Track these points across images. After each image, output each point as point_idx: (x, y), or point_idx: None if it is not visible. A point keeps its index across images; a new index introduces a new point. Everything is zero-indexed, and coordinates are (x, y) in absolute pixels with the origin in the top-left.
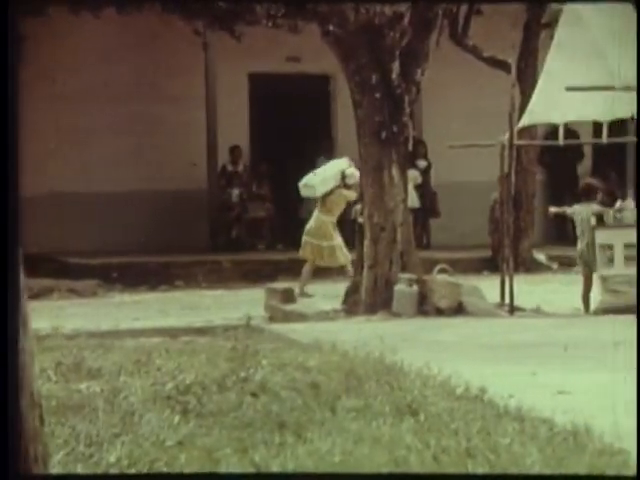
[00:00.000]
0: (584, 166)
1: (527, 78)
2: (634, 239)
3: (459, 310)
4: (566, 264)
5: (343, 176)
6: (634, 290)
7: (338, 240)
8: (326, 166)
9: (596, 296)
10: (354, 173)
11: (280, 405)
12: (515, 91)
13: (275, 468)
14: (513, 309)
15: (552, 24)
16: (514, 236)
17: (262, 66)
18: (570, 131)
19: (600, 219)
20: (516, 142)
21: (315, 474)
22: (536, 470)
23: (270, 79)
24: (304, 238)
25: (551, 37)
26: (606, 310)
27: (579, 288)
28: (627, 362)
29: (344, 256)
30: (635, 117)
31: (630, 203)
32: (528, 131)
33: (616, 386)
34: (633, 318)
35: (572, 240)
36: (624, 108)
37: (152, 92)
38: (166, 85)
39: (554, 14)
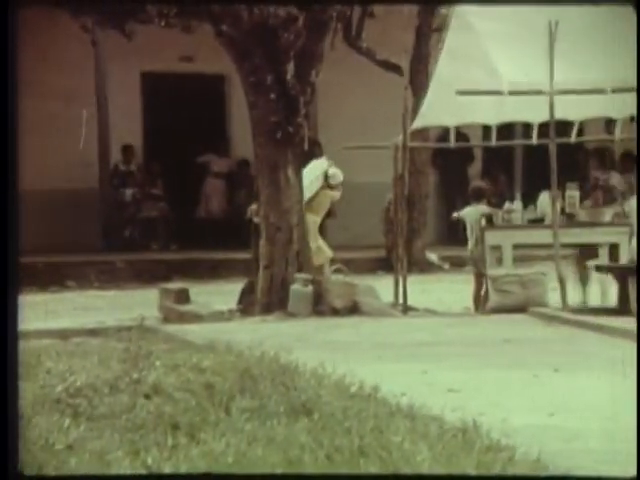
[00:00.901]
0: (474, 168)
1: (419, 81)
2: (522, 240)
3: (354, 310)
4: (457, 264)
5: (326, 177)
6: (524, 290)
7: (320, 241)
8: (308, 168)
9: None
10: (337, 173)
11: (173, 406)
12: (408, 94)
13: (167, 470)
14: (406, 309)
15: (442, 29)
16: (407, 236)
17: (155, 65)
18: (461, 134)
19: (489, 220)
20: (409, 144)
21: (316, 474)
22: (425, 467)
23: (163, 78)
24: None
25: (442, 41)
26: (495, 309)
27: (470, 288)
28: (516, 359)
29: (324, 258)
30: (635, 117)
31: (518, 205)
32: (421, 133)
33: (505, 383)
34: (524, 317)
35: (463, 241)
36: (512, 112)
37: (41, 89)
38: (56, 83)
39: (444, 19)
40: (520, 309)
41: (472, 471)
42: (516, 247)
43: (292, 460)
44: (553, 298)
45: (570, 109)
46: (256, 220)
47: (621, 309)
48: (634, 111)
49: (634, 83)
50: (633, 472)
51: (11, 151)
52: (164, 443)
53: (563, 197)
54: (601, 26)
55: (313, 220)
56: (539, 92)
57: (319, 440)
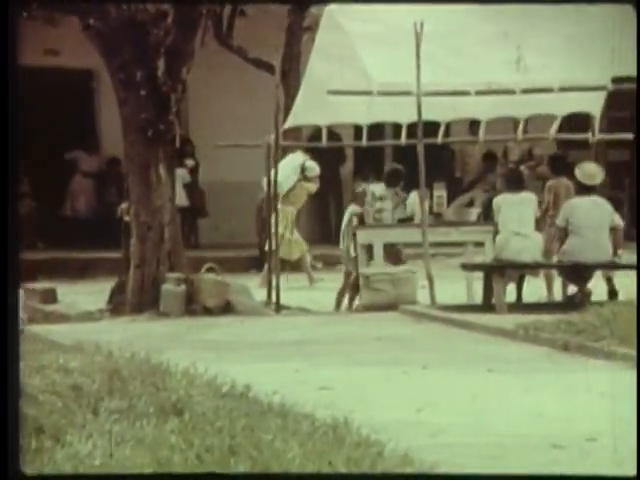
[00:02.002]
0: (346, 168)
1: (291, 80)
2: (393, 238)
3: (227, 309)
4: (330, 263)
5: (303, 169)
6: (394, 288)
7: (296, 235)
8: (285, 161)
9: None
10: (313, 166)
11: (38, 409)
12: (280, 93)
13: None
14: (279, 307)
15: (313, 28)
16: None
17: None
18: (333, 133)
19: (361, 220)
20: (282, 143)
21: (317, 474)
22: (296, 465)
23: (27, 73)
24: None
25: (313, 41)
26: (367, 307)
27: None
28: (387, 357)
29: (300, 251)
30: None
31: (388, 203)
32: (293, 132)
33: (376, 380)
34: (395, 314)
35: (336, 239)
36: (382, 112)
37: None
38: None
39: (315, 18)
40: (391, 307)
41: (342, 467)
42: (386, 246)
43: (161, 461)
44: (423, 296)
45: (437, 110)
46: (127, 219)
47: (485, 306)
48: (499, 112)
49: (498, 86)
50: (633, 472)
51: (12, 151)
52: (28, 447)
53: (431, 197)
54: (467, 30)
55: (290, 212)
56: (407, 93)
57: (189, 440)
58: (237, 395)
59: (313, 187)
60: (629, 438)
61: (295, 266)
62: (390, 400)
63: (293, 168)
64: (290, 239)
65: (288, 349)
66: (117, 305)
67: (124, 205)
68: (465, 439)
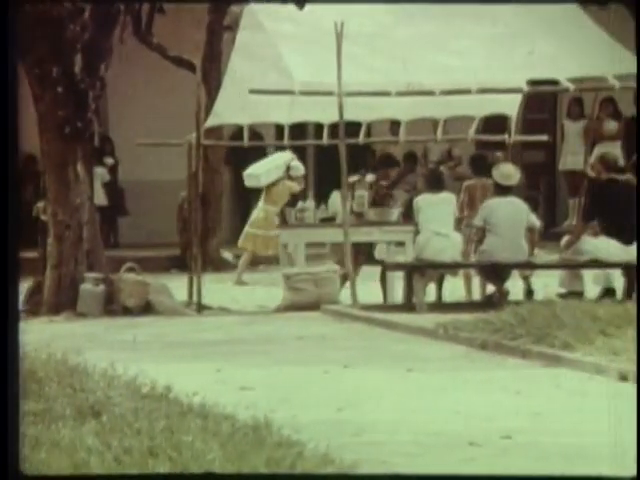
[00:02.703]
0: None
1: (212, 79)
2: (315, 238)
3: (147, 309)
4: (252, 262)
5: (287, 168)
6: (316, 288)
7: (274, 232)
8: (271, 158)
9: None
10: (298, 166)
11: None
12: (201, 91)
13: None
14: (201, 307)
15: (234, 27)
16: (202, 235)
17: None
18: (255, 133)
19: (283, 219)
20: (203, 142)
21: (316, 474)
22: (216, 466)
23: None
24: (247, 229)
25: (234, 39)
26: (289, 307)
27: (264, 286)
28: (309, 356)
29: (275, 248)
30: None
31: (311, 203)
32: (215, 131)
33: (297, 380)
34: (317, 314)
35: None
36: (304, 112)
37: None
38: None
39: (235, 17)
40: (313, 306)
41: (262, 468)
42: (309, 245)
43: (78, 463)
44: (345, 295)
45: (359, 111)
46: (44, 218)
47: (406, 306)
48: (419, 113)
49: (418, 87)
50: (632, 472)
51: (11, 148)
52: None
53: (353, 197)
54: (387, 31)
55: (272, 210)
56: (329, 93)
57: (107, 442)
58: (157, 396)
59: (296, 187)
60: (545, 434)
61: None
62: (311, 399)
63: (277, 165)
64: (267, 236)
65: (209, 349)
66: (33, 306)
67: (40, 204)
68: (385, 437)
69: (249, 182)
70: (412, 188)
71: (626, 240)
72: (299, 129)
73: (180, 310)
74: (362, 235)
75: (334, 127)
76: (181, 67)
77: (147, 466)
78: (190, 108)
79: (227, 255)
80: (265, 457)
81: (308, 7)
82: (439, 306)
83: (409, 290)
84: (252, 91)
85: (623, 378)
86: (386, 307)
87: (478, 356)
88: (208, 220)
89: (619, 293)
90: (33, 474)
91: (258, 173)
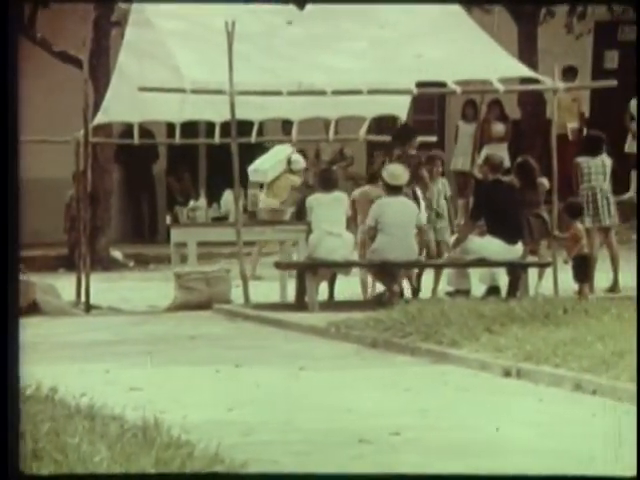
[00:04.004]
0: (159, 165)
1: (101, 76)
2: (207, 237)
3: (33, 309)
4: (143, 262)
5: (289, 162)
6: (208, 287)
7: None
8: (272, 152)
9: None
10: (299, 159)
11: None
12: (88, 88)
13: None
14: (89, 307)
15: (122, 23)
16: (91, 234)
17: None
18: (145, 131)
19: (175, 218)
20: (92, 139)
21: (316, 474)
22: (103, 468)
23: None
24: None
25: (122, 36)
26: (181, 306)
27: (156, 285)
28: (200, 356)
29: None
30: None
31: (203, 202)
32: (104, 129)
33: (188, 380)
34: (209, 313)
35: (148, 238)
36: (195, 111)
37: None
38: None
39: (123, 13)
40: (205, 306)
41: (151, 469)
42: (201, 244)
43: None
44: (237, 294)
45: (250, 110)
46: None
47: (298, 304)
48: (310, 113)
49: (309, 87)
50: (632, 472)
51: (11, 147)
52: None
53: (246, 196)
54: (278, 31)
55: (274, 204)
56: (220, 92)
57: None
58: (42, 398)
59: (297, 180)
60: (432, 430)
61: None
62: (202, 399)
63: (279, 160)
64: None
65: (98, 350)
66: None
67: None
68: (276, 436)
69: (255, 178)
70: (303, 187)
71: (510, 240)
72: (190, 127)
73: (68, 310)
74: (255, 234)
75: (226, 126)
76: (67, 63)
77: (31, 469)
78: (77, 105)
79: (117, 254)
80: (154, 458)
81: (198, 5)
82: (331, 305)
83: (301, 289)
84: (142, 89)
85: (507, 374)
86: (278, 306)
87: (369, 354)
88: (97, 219)
89: (504, 291)
90: (33, 474)
91: (264, 168)
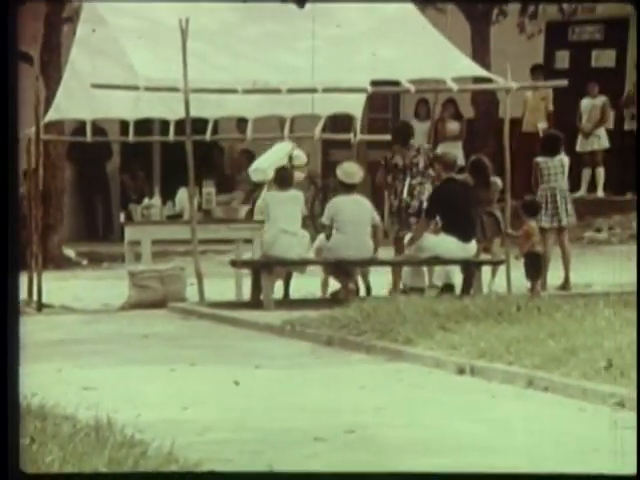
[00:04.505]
0: (113, 163)
1: (52, 72)
2: (161, 235)
3: None
4: (96, 260)
5: (290, 158)
6: (162, 285)
7: None
8: (272, 150)
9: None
10: (300, 155)
11: None
12: (39, 84)
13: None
14: (41, 306)
15: (74, 19)
16: (43, 232)
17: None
18: (98, 128)
19: (129, 216)
20: (43, 137)
21: (315, 474)
22: (55, 468)
23: None
24: (257, 217)
25: (74, 32)
26: (135, 305)
27: (109, 283)
28: (154, 355)
29: None
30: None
31: (157, 200)
32: (56, 126)
33: (142, 378)
34: (163, 312)
35: (102, 236)
36: (149, 108)
37: None
38: None
39: (75, 9)
40: (159, 304)
41: (103, 468)
42: (156, 243)
43: None
44: (192, 293)
45: (205, 108)
46: None
47: (254, 303)
48: (266, 111)
49: (264, 85)
50: (633, 472)
51: (11, 147)
52: None
53: (201, 194)
54: (232, 28)
55: None
56: (174, 89)
57: None
58: None
59: (300, 175)
60: (387, 428)
61: None
62: (157, 398)
63: (280, 157)
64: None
65: (50, 349)
66: None
67: None
68: (230, 435)
69: (256, 177)
70: (252, 186)
71: (464, 237)
72: (144, 125)
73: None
74: (210, 232)
75: (180, 123)
76: (18, 59)
77: None
78: (28, 102)
79: (70, 252)
80: (107, 458)
81: (152, 3)
82: (286, 303)
83: (257, 287)
84: (94, 85)
85: (461, 371)
86: (234, 304)
87: (324, 352)
88: (49, 217)
89: (458, 289)
90: (33, 474)
91: (264, 167)
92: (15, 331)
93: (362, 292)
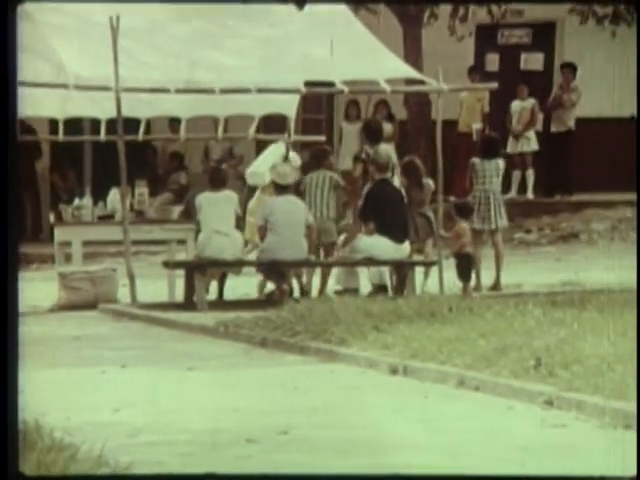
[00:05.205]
0: (43, 163)
1: None
2: (93, 236)
3: None
4: (25, 261)
5: (285, 159)
6: (93, 287)
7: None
8: (267, 152)
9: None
10: (295, 157)
11: None
12: None
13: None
14: None
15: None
16: None
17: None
18: (26, 127)
19: (59, 216)
20: None
21: (315, 474)
22: None
23: None
24: (249, 219)
25: None
26: (65, 306)
27: (39, 285)
28: (85, 357)
29: None
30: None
31: (88, 201)
32: None
33: (73, 381)
34: (95, 313)
35: (31, 237)
36: (79, 107)
37: None
38: None
39: None
40: (90, 305)
41: (31, 472)
42: (87, 243)
43: None
44: (124, 294)
45: (137, 107)
46: None
47: (187, 304)
48: (199, 111)
49: (197, 85)
50: (633, 472)
51: (12, 147)
52: None
53: (133, 194)
54: (164, 27)
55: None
56: (105, 88)
57: None
58: None
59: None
60: (320, 429)
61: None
62: (87, 401)
63: (275, 158)
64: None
65: None
66: None
67: None
68: (162, 437)
69: (253, 180)
70: (178, 187)
71: (398, 238)
72: (74, 124)
73: None
74: (143, 233)
75: (112, 123)
76: None
77: None
78: None
79: None
80: (35, 462)
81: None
82: (220, 304)
83: (190, 289)
84: (22, 84)
85: (394, 371)
86: (167, 306)
87: (258, 353)
88: None
89: (390, 290)
90: (33, 474)
91: (261, 171)
92: (15, 333)
93: (296, 293)
